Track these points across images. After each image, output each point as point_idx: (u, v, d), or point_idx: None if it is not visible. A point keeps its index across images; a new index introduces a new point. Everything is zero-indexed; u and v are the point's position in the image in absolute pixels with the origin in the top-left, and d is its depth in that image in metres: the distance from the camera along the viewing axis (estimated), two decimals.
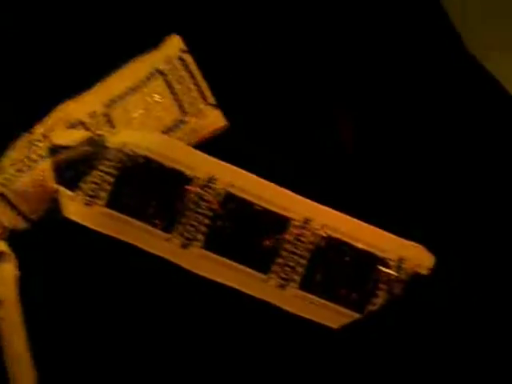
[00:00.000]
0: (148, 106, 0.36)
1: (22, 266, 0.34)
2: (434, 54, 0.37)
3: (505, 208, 0.37)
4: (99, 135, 0.35)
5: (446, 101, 0.37)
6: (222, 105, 0.36)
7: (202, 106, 0.36)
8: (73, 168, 0.34)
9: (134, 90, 0.37)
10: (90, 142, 0.35)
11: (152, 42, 0.37)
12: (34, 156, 0.35)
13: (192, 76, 0.36)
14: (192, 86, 0.36)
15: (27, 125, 0.36)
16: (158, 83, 0.36)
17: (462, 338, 0.34)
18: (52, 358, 0.35)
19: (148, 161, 0.34)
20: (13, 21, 0.38)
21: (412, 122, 0.37)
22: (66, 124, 0.36)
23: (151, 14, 0.38)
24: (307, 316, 0.33)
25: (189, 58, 0.36)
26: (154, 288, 0.34)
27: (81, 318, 0.35)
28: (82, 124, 0.36)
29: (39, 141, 0.35)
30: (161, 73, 0.36)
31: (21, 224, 0.35)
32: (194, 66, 0.36)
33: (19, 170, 0.35)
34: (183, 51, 0.36)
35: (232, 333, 0.34)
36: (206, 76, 0.36)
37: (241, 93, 0.36)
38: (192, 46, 0.37)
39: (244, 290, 0.34)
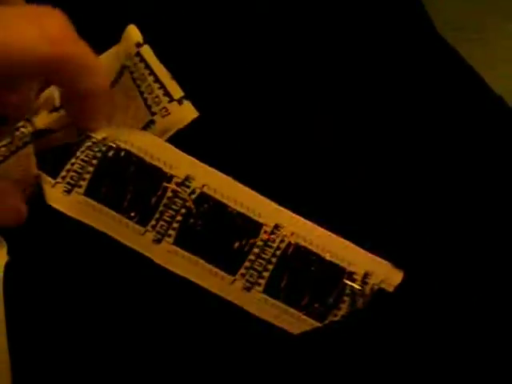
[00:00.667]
0: (126, 100, 0.37)
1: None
2: (407, 39, 0.37)
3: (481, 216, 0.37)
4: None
5: (421, 90, 0.37)
6: (193, 94, 0.36)
7: (166, 103, 0.36)
8: (54, 154, 0.35)
9: (114, 82, 0.37)
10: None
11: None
12: (17, 141, 0.36)
13: (152, 72, 0.36)
14: (153, 84, 0.36)
15: None
16: (128, 80, 0.37)
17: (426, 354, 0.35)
18: (30, 359, 0.36)
19: (129, 155, 0.35)
20: None
21: (390, 114, 0.37)
22: (49, 108, 0.37)
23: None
24: (269, 319, 0.34)
25: (147, 52, 0.36)
26: (127, 280, 0.36)
27: (58, 310, 0.36)
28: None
29: (23, 126, 0.36)
30: (127, 68, 0.37)
31: None
32: (153, 60, 0.36)
33: (3, 156, 0.36)
34: (140, 44, 0.36)
35: (194, 330, 0.35)
36: (173, 65, 0.36)
37: (215, 85, 0.37)
38: (153, 35, 0.36)
39: (210, 288, 0.35)
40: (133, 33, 0.36)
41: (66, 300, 0.36)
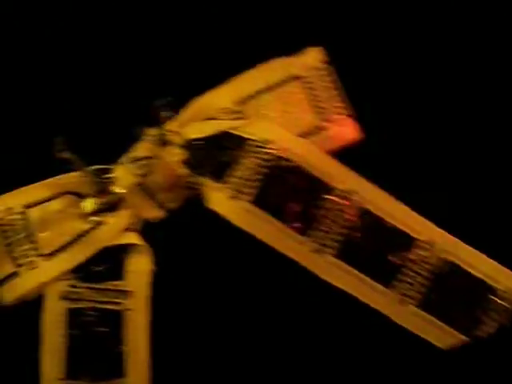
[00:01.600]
0: (284, 107, 0.37)
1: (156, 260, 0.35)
2: None
3: None
4: (233, 128, 0.36)
5: None
6: (359, 118, 0.37)
7: (341, 115, 0.37)
8: (214, 160, 0.35)
9: (268, 90, 0.37)
10: (226, 135, 0.36)
11: (286, 48, 0.38)
12: (166, 148, 0.35)
13: (333, 86, 0.37)
14: (333, 96, 0.37)
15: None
16: (296, 88, 0.37)
17: None
18: (170, 356, 0.35)
19: (291, 164, 0.35)
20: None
21: None
22: (199, 119, 0.37)
23: (292, 21, 0.39)
24: (419, 333, 0.35)
25: (330, 69, 0.37)
26: (284, 291, 0.36)
27: (208, 315, 0.35)
28: (215, 120, 0.37)
29: (171, 134, 0.35)
30: (298, 78, 0.37)
31: (157, 215, 0.36)
32: (334, 77, 0.37)
33: (154, 161, 0.35)
34: (325, 62, 0.37)
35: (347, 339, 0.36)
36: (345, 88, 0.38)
37: (379, 108, 0.38)
38: (333, 58, 0.38)
39: (363, 299, 0.35)
40: (319, 52, 0.37)
41: (213, 309, 0.36)
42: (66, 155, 0.35)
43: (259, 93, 0.37)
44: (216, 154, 0.35)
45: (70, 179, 0.37)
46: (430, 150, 0.38)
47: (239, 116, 0.37)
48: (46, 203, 0.37)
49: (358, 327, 0.36)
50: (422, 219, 0.36)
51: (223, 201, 0.34)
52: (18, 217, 0.37)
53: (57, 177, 0.37)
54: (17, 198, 0.37)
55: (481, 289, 0.36)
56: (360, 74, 0.38)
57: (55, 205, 0.37)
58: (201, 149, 0.35)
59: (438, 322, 0.35)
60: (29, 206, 0.37)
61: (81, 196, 0.37)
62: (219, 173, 0.35)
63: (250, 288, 0.36)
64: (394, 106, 0.38)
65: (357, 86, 0.38)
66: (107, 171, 0.36)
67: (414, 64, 0.39)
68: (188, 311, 0.36)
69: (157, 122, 0.35)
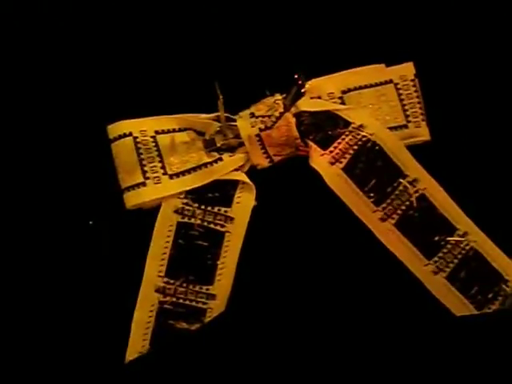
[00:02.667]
0: (378, 103, 0.46)
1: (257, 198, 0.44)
2: None
3: None
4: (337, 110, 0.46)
5: None
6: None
7: (419, 120, 0.47)
8: (322, 131, 0.44)
9: (368, 86, 0.47)
10: (334, 114, 0.45)
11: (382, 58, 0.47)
12: (280, 111, 0.44)
13: (416, 95, 0.47)
14: (415, 102, 0.47)
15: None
16: (390, 90, 0.47)
17: None
18: (254, 277, 0.45)
19: (379, 148, 0.45)
20: None
21: None
22: (310, 96, 0.46)
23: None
24: (441, 299, 0.45)
25: (417, 82, 0.47)
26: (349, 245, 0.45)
27: (289, 251, 0.45)
28: (321, 99, 0.46)
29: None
30: (393, 83, 0.47)
31: (264, 163, 0.45)
32: (419, 89, 0.47)
33: (272, 120, 0.44)
34: (415, 75, 0.47)
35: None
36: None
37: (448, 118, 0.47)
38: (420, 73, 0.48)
39: (407, 264, 0.45)
40: (412, 66, 0.47)
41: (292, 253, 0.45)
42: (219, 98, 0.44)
43: (361, 87, 0.46)
44: (325, 127, 0.44)
45: (198, 118, 0.46)
46: (484, 161, 0.48)
47: (341, 101, 0.46)
48: (174, 133, 0.46)
49: (399, 286, 0.46)
50: (462, 213, 0.46)
51: (324, 164, 0.44)
52: (151, 139, 0.45)
53: (187, 114, 0.46)
54: (150, 124, 0.46)
55: (496, 277, 0.46)
56: (437, 89, 0.48)
57: (182, 136, 0.46)
58: (311, 120, 0.45)
59: (459, 294, 0.46)
60: (159, 133, 0.46)
61: (202, 134, 0.46)
62: (325, 142, 0.44)
63: (324, 236, 0.46)
64: (460, 118, 0.48)
65: (433, 98, 0.47)
66: (232, 120, 0.45)
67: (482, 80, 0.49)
68: (275, 244, 0.45)
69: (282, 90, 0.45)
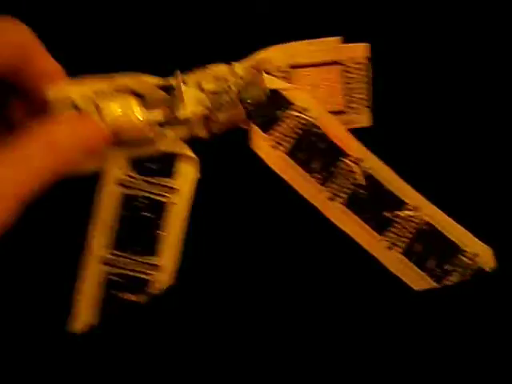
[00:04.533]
0: (320, 83, 0.47)
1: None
2: None
3: None
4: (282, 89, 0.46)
5: None
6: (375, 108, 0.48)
7: (361, 106, 0.48)
8: (264, 114, 0.46)
9: (316, 65, 0.47)
10: (277, 94, 0.46)
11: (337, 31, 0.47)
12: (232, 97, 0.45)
13: (364, 80, 0.48)
14: (362, 88, 0.47)
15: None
16: (336, 72, 0.47)
17: None
18: (198, 246, 0.46)
19: (320, 132, 0.46)
20: None
21: None
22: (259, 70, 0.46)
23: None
24: (399, 275, 0.46)
25: (369, 66, 0.47)
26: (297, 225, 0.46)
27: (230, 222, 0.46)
28: (268, 74, 0.46)
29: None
30: (342, 65, 0.47)
31: (205, 135, 0.45)
32: (369, 74, 0.47)
33: (221, 103, 0.45)
34: (367, 58, 0.47)
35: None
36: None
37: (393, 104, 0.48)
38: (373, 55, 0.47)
39: (360, 242, 0.46)
40: (366, 48, 0.47)
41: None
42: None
43: (307, 65, 0.46)
44: (267, 107, 0.46)
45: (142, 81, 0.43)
46: (429, 143, 0.49)
47: (287, 77, 0.46)
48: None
49: (353, 264, 0.46)
50: (411, 189, 0.46)
51: (266, 148, 0.45)
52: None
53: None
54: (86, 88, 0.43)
55: (452, 248, 0.46)
56: (389, 75, 0.49)
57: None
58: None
59: (415, 268, 0.46)
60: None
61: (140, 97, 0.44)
62: (267, 125, 0.45)
63: (272, 211, 0.47)
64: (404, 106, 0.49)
65: (384, 84, 0.48)
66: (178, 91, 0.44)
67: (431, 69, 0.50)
68: (216, 214, 0.47)
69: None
